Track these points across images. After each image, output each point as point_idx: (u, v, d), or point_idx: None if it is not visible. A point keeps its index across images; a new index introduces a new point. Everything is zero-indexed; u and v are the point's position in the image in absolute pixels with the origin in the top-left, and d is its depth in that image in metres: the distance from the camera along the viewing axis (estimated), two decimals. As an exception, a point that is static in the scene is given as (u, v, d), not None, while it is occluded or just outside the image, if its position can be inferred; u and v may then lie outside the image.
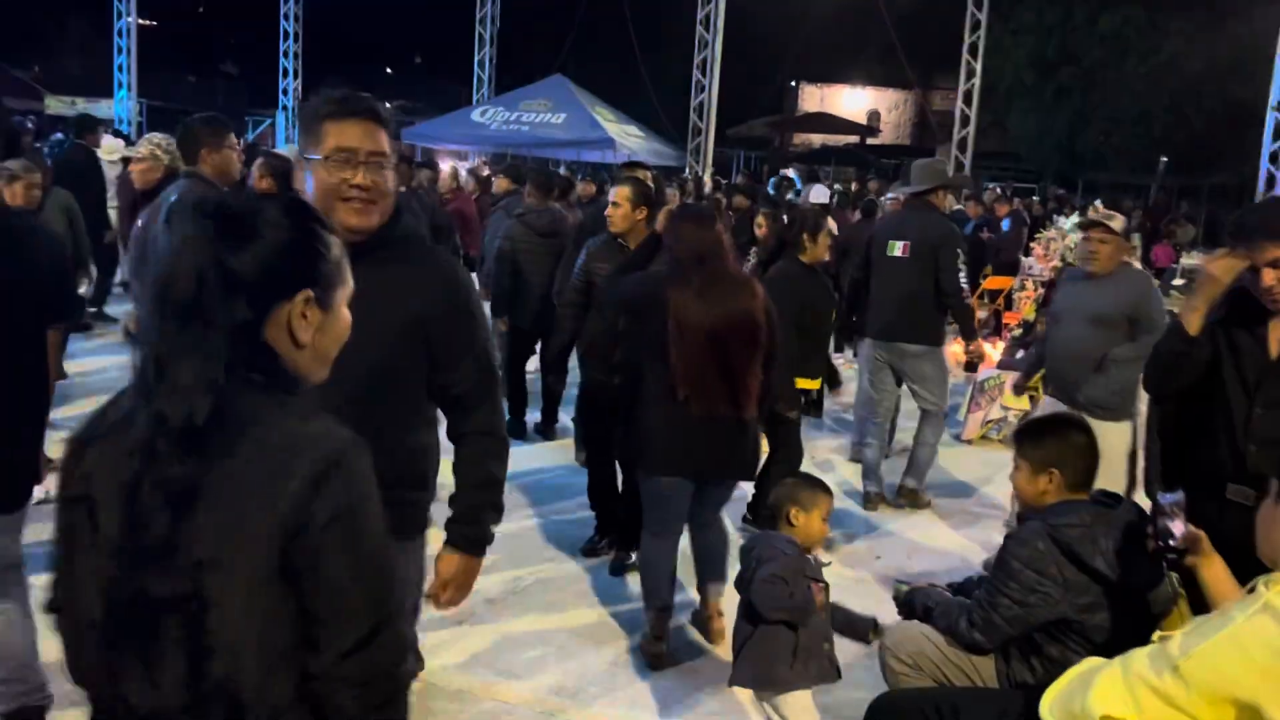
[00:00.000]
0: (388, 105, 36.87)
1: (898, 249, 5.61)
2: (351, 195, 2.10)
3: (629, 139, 17.69)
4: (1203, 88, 24.46)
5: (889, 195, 10.62)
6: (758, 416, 3.80)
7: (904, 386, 5.80)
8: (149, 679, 1.32)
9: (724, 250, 3.74)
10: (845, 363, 9.20)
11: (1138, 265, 4.81)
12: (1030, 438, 2.85)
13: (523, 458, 6.47)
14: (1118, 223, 4.58)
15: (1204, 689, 1.93)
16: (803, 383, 5.02)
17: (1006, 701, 2.50)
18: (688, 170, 18.76)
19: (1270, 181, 17.28)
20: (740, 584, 3.03)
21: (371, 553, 1.37)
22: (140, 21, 22.90)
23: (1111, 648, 2.33)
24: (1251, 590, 2.01)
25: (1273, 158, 17.57)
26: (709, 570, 3.98)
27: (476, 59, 20.66)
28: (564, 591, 4.47)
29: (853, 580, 4.63)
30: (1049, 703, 2.27)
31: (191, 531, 1.29)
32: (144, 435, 1.32)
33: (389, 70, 43.50)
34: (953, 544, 5.36)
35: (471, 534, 2.35)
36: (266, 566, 1.31)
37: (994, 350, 8.73)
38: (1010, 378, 7.26)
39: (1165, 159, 25.80)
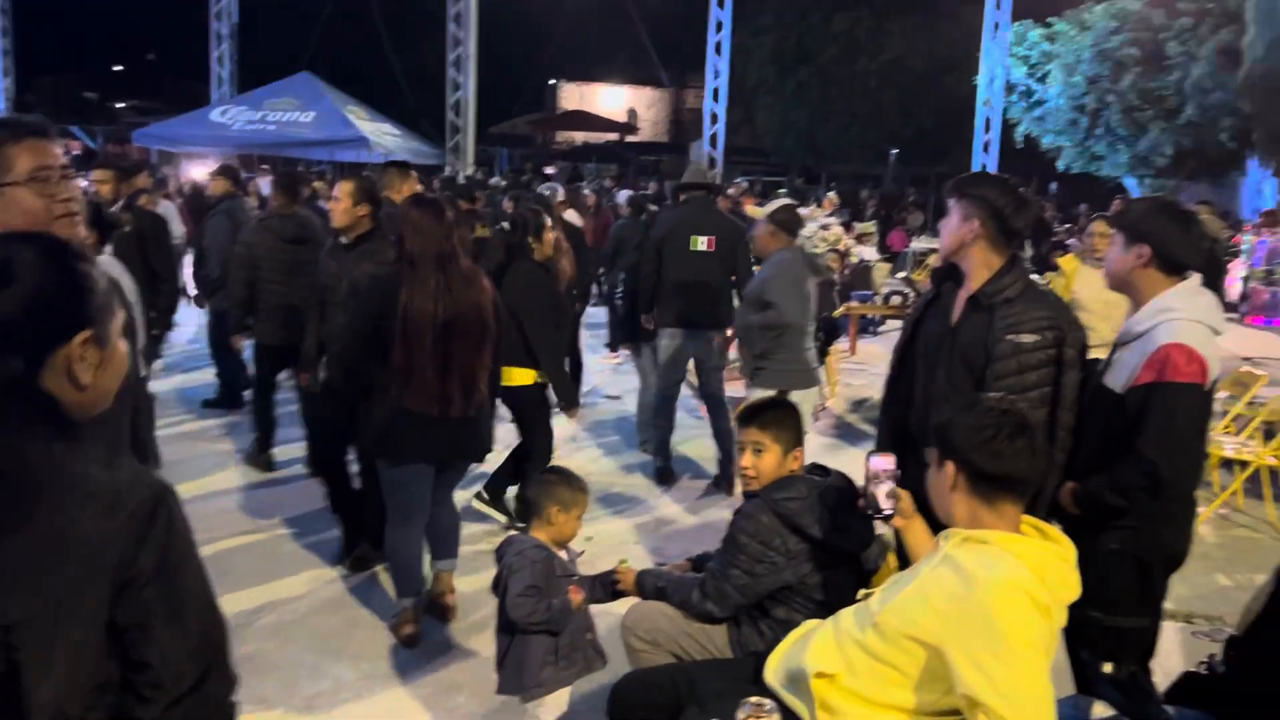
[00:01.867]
0: (117, 105, 34.28)
1: (702, 244, 6.03)
2: (63, 212, 2.03)
3: (384, 138, 17.21)
4: (926, 84, 26.57)
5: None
6: (490, 403, 4.02)
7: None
8: None
9: (458, 242, 3.77)
10: (615, 357, 9.39)
11: (788, 252, 5.24)
12: (776, 421, 2.93)
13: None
14: (757, 211, 5.21)
15: (897, 638, 2.12)
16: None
17: (738, 668, 2.64)
18: (448, 169, 18.53)
19: (984, 169, 19.03)
20: (495, 588, 3.04)
21: (199, 595, 1.36)
22: None
23: (832, 606, 2.51)
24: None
25: (985, 148, 19.37)
26: (441, 549, 4.13)
27: (214, 55, 19.49)
28: (314, 605, 4.33)
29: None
30: (773, 665, 2.43)
31: None
32: None
33: (118, 68, 40.31)
34: (715, 521, 5.58)
35: None
36: (90, 622, 1.27)
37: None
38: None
39: (895, 150, 27.88)
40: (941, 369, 2.98)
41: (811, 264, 5.34)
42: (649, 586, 2.99)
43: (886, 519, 2.57)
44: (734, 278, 6.13)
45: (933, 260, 10.86)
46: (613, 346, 9.43)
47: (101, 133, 26.25)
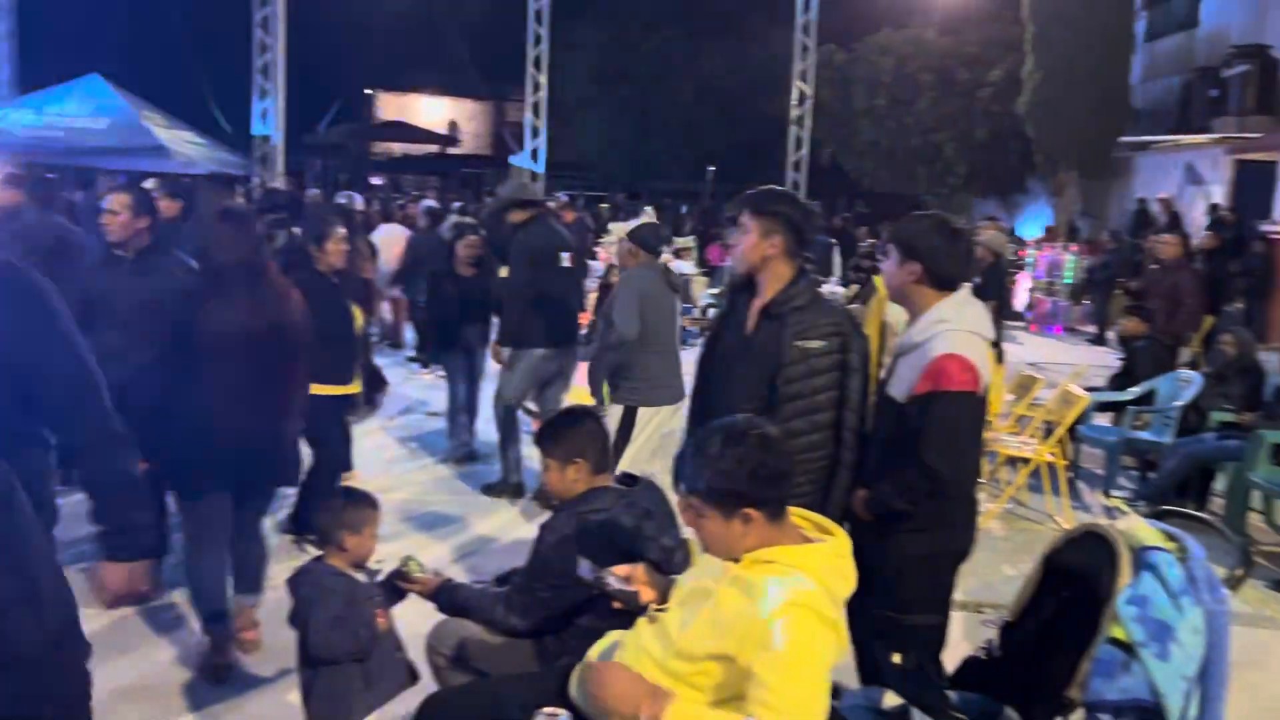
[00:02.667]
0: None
1: (566, 259, 6.05)
2: None
3: (186, 146, 16.33)
4: (740, 103, 27.47)
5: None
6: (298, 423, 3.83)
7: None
8: None
9: (266, 254, 3.64)
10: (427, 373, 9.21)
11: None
12: (550, 435, 2.96)
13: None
14: (620, 229, 5.32)
15: (695, 660, 2.16)
16: (339, 389, 5.01)
17: (544, 682, 2.62)
18: (256, 180, 17.75)
19: (795, 186, 19.81)
20: (292, 622, 2.90)
21: None
22: None
23: (636, 613, 2.53)
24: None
25: (795, 166, 20.18)
26: (243, 582, 3.93)
27: (-9, 55, 18.06)
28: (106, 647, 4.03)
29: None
30: (576, 679, 2.42)
31: None
32: None
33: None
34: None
35: None
36: None
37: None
38: (578, 373, 7.68)
39: (713, 168, 28.67)
40: (737, 376, 3.08)
41: (670, 281, 5.35)
42: (448, 603, 2.93)
43: (633, 597, 2.45)
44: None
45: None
46: (425, 362, 9.28)
47: None
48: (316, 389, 4.71)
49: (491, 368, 6.59)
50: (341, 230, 5.02)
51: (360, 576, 2.93)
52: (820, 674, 2.05)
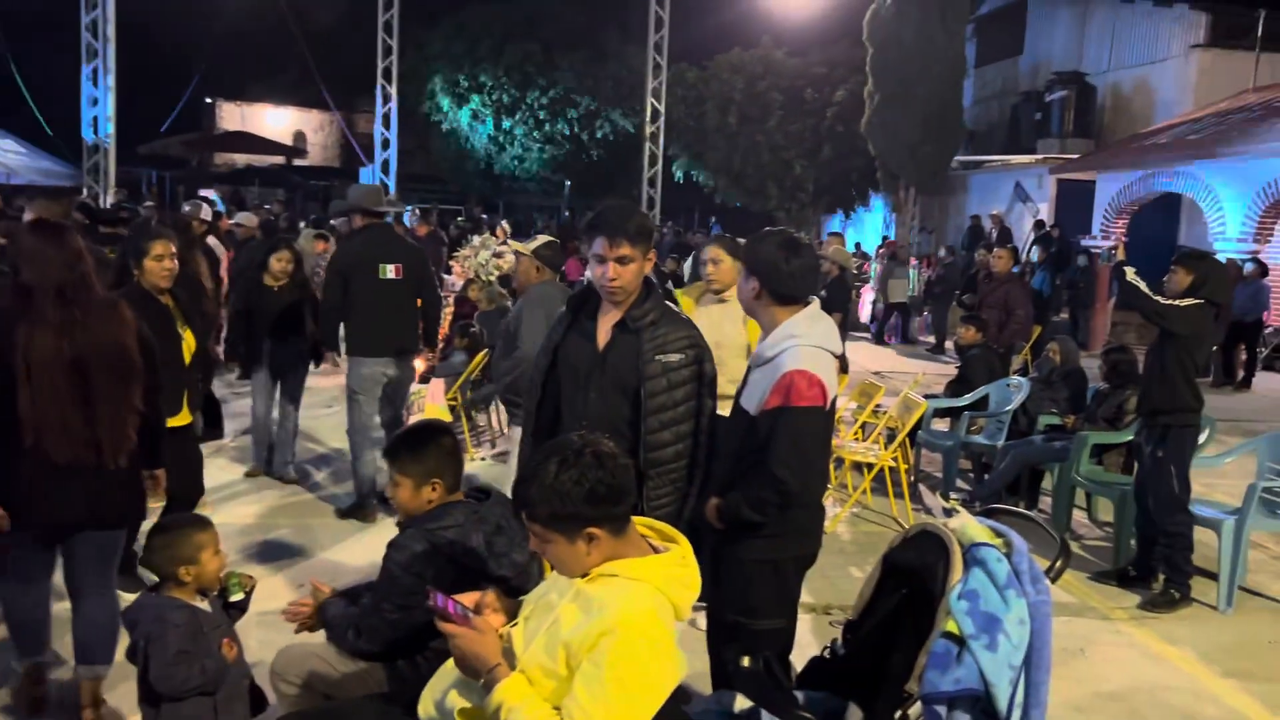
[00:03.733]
0: None
1: (390, 271, 5.90)
2: None
3: (6, 155, 15.34)
4: (595, 118, 27.64)
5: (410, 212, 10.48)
6: (140, 454, 3.42)
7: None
8: None
9: (88, 270, 3.32)
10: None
11: (548, 287, 5.33)
12: (409, 451, 2.87)
13: None
14: (520, 246, 5.35)
15: (538, 678, 2.14)
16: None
17: (390, 705, 2.56)
18: (86, 191, 16.78)
19: (650, 201, 20.06)
20: (130, 658, 2.74)
21: None
22: None
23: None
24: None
25: (651, 181, 20.44)
26: (87, 650, 3.41)
27: None
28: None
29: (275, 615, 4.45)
30: (425, 700, 2.37)
31: None
32: None
33: None
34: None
35: None
36: None
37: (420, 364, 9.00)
38: (432, 388, 7.55)
39: (569, 181, 28.75)
40: (594, 391, 3.10)
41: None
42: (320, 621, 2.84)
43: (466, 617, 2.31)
44: (420, 302, 6.14)
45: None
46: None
47: None
48: None
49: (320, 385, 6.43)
50: (164, 245, 4.48)
51: (204, 605, 2.80)
52: (635, 699, 2.04)
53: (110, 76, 17.25)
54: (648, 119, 20.41)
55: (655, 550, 2.24)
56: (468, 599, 2.31)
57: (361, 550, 5.44)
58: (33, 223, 3.82)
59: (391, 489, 2.90)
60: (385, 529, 5.74)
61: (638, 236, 3.08)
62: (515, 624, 2.30)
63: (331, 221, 11.46)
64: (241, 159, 33.29)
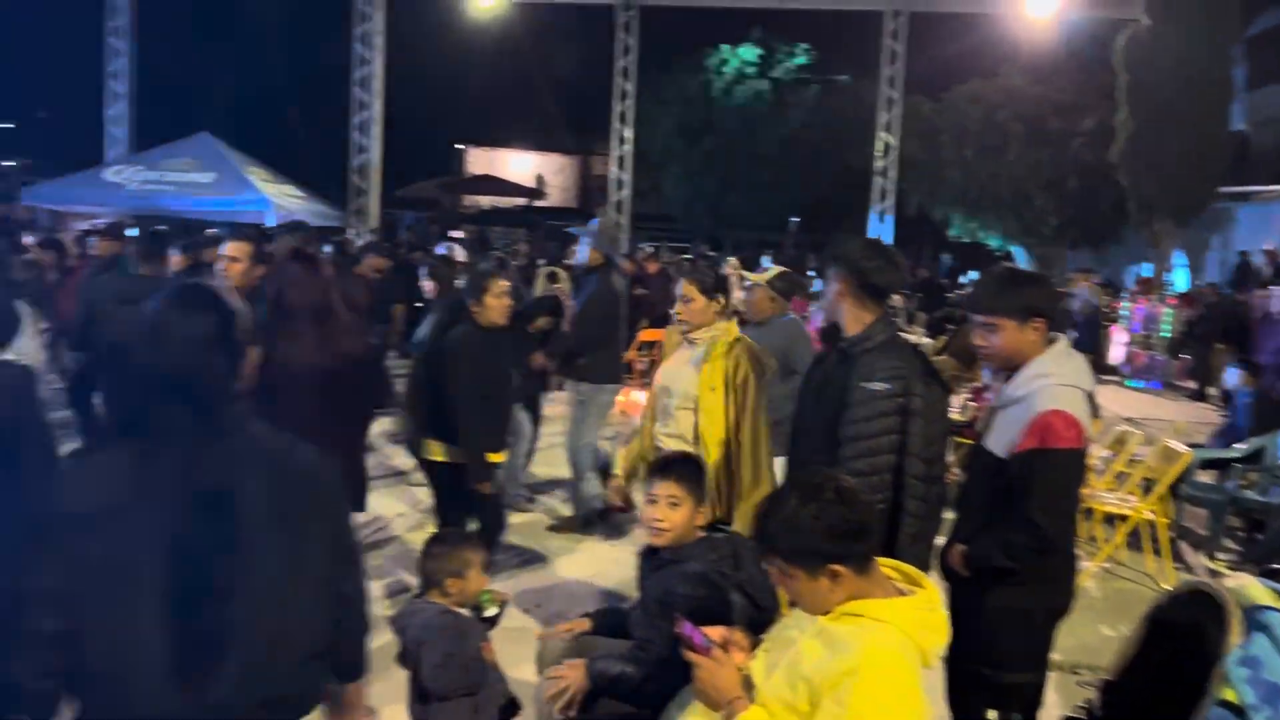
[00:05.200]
0: (7, 164, 33.13)
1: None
2: None
3: (287, 200, 17.00)
4: (824, 154, 27.48)
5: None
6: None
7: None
8: None
9: (337, 296, 3.80)
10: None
11: (795, 317, 5.44)
12: (690, 469, 2.95)
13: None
14: (756, 277, 5.33)
15: (778, 705, 2.13)
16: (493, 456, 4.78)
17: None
18: (350, 231, 18.35)
19: (879, 238, 19.67)
20: (401, 662, 2.96)
21: None
22: None
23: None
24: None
25: (880, 217, 20.07)
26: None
27: (108, 114, 19.09)
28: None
29: (518, 630, 4.65)
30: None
31: None
32: None
33: (6, 125, 39.03)
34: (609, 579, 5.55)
35: None
36: None
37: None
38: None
39: (796, 219, 28.66)
40: (809, 422, 3.13)
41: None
42: (603, 678, 2.91)
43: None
44: None
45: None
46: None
47: (-14, 191, 25.32)
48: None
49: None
50: (502, 284, 4.73)
51: (464, 612, 2.99)
52: None
53: (376, 127, 18.85)
54: (880, 153, 20.07)
55: (901, 593, 2.19)
56: (714, 632, 2.34)
57: (581, 565, 5.63)
58: (293, 252, 4.24)
59: (666, 509, 2.92)
60: (603, 546, 5.92)
61: (830, 260, 3.23)
62: (754, 656, 2.31)
63: (566, 261, 11.97)
64: (487, 201, 35.36)
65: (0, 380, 3.06)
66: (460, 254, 9.10)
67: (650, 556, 3.09)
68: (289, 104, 20.47)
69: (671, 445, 3.79)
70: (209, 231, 9.31)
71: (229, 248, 4.57)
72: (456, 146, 38.04)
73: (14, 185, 21.75)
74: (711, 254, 22.85)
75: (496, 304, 4.65)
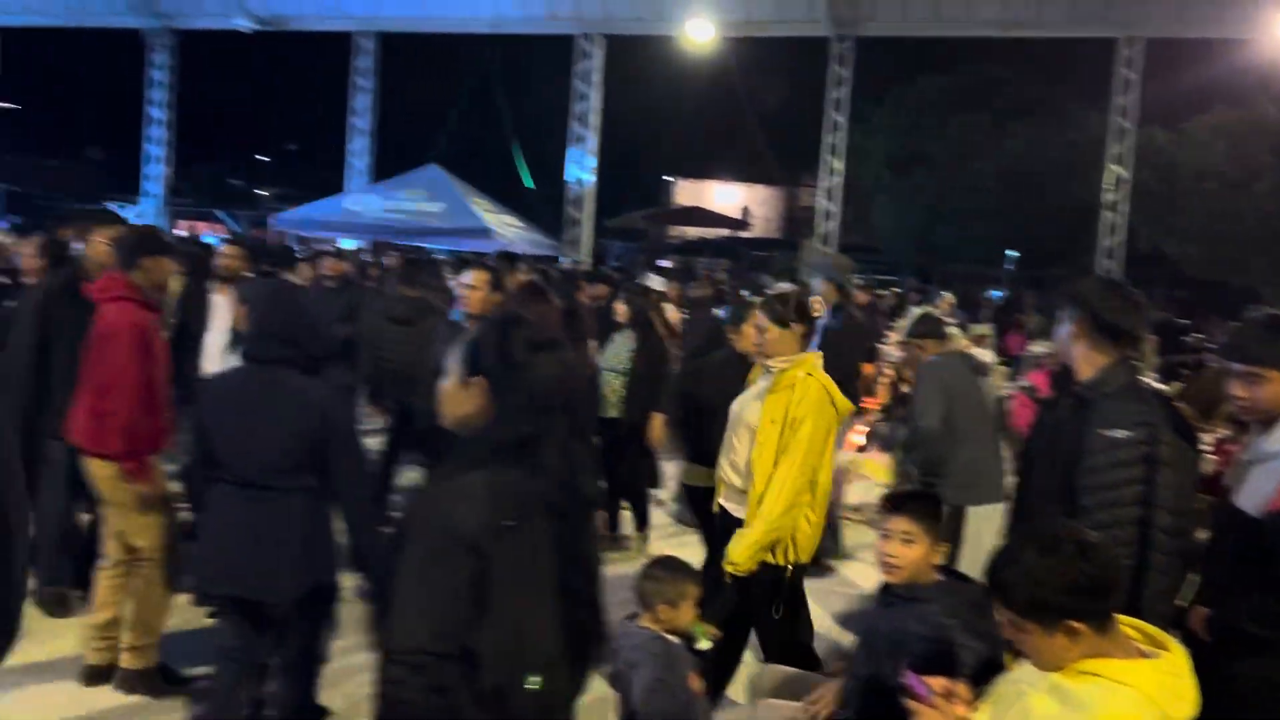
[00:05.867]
0: (259, 193, 36.47)
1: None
2: None
3: (506, 228, 17.85)
4: (1045, 186, 26.26)
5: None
6: None
7: None
8: None
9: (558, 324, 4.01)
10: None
11: (982, 353, 5.19)
12: (925, 512, 2.88)
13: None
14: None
15: None
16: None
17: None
18: (563, 259, 19.06)
19: (1108, 274, 18.58)
20: (612, 683, 3.03)
21: None
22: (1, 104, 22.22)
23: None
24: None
25: (1108, 253, 18.94)
26: None
27: (349, 148, 20.68)
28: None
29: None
30: None
31: None
32: None
33: (263, 158, 42.97)
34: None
35: None
36: None
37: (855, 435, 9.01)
38: (871, 457, 7.54)
39: (1014, 253, 27.46)
40: (1041, 469, 2.97)
41: (974, 366, 5.12)
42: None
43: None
44: None
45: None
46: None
47: (245, 217, 27.95)
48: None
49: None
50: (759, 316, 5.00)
51: (674, 639, 3.03)
52: None
53: (593, 159, 19.56)
54: (1110, 186, 18.99)
55: (1143, 655, 2.06)
56: (936, 683, 2.27)
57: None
58: (528, 283, 4.45)
59: (900, 545, 2.86)
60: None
61: (1064, 298, 3.08)
62: (978, 708, 2.23)
63: (768, 291, 11.94)
64: (693, 232, 35.86)
65: (316, 396, 3.31)
66: (657, 283, 9.26)
67: (882, 593, 3.03)
68: (512, 137, 21.59)
69: (730, 475, 3.77)
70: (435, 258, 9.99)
71: (470, 276, 4.83)
72: (665, 178, 38.84)
73: (266, 212, 23.93)
74: (924, 287, 22.27)
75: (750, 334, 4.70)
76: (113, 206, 24.69)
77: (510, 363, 2.04)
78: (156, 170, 21.66)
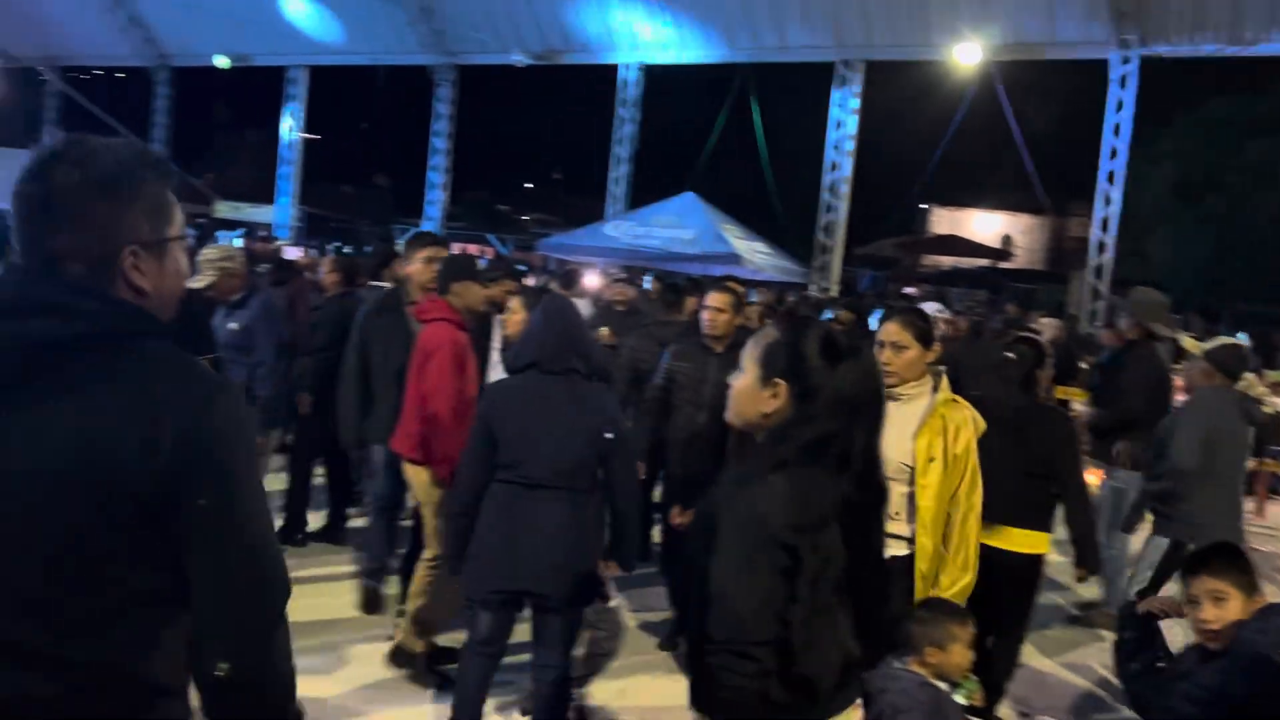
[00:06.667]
0: (524, 218, 38.57)
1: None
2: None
3: (755, 255, 17.93)
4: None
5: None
6: None
7: None
8: None
9: None
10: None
11: (1210, 392, 4.80)
12: (1234, 565, 2.73)
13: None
14: (1195, 346, 5.14)
15: None
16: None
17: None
18: (811, 287, 18.89)
19: None
20: None
21: None
22: (305, 136, 24.74)
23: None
24: None
25: None
26: None
27: (612, 176, 21.48)
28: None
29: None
30: None
31: None
32: None
33: (528, 185, 45.50)
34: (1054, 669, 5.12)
35: None
36: None
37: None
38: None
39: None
40: None
41: (1246, 410, 4.81)
42: None
43: None
44: None
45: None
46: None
47: (511, 241, 29.68)
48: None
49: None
50: (899, 332, 4.88)
51: (944, 686, 2.92)
52: None
53: (846, 187, 19.32)
54: None
55: None
56: None
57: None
58: (766, 309, 4.42)
59: (1213, 607, 2.69)
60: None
61: None
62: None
63: (1032, 326, 11.29)
64: (948, 261, 34.62)
65: (608, 405, 3.61)
66: (931, 308, 8.98)
67: (1196, 652, 2.80)
68: (768, 165, 21.74)
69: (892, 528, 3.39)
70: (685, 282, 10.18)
71: (713, 299, 4.95)
72: (920, 206, 37.75)
73: (533, 237, 25.29)
74: (1211, 327, 20.40)
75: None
76: (397, 229, 26.94)
77: (814, 365, 2.08)
78: (436, 196, 23.38)
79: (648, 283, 11.31)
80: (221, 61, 24.02)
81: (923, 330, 3.45)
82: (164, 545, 1.43)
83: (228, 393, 1.50)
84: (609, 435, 3.49)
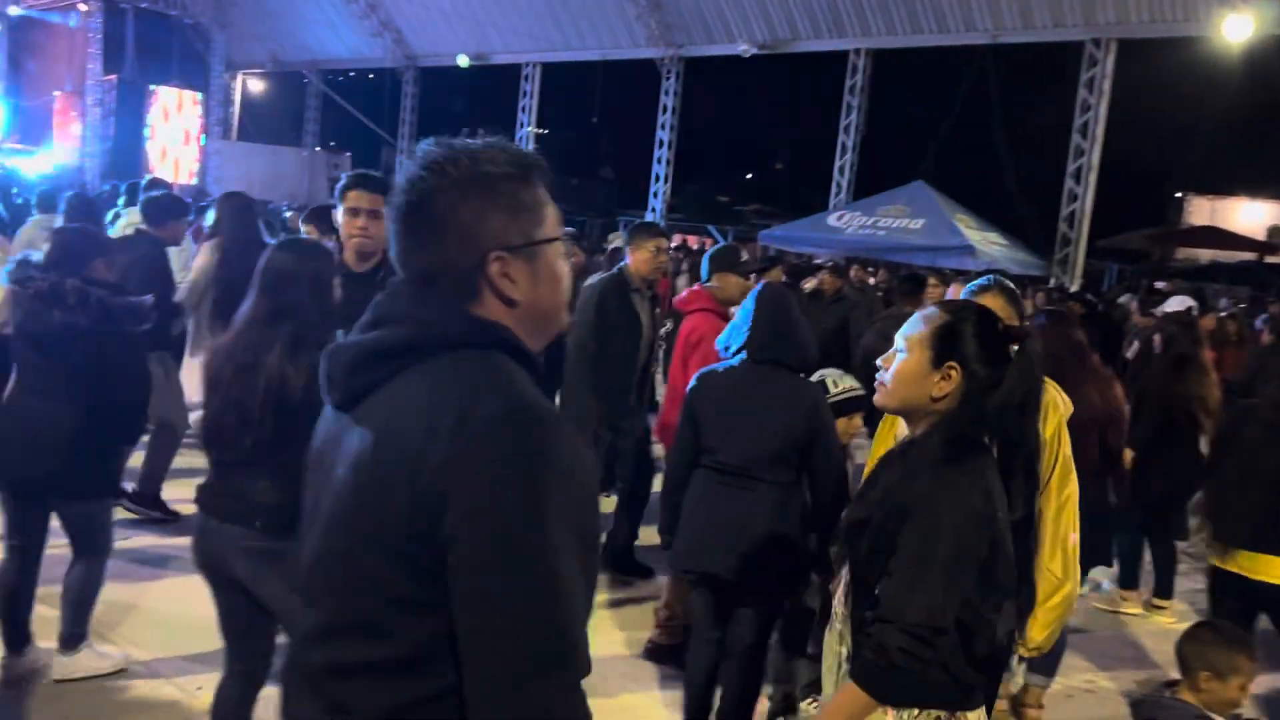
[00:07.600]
0: (745, 209, 38.49)
1: None
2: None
3: (990, 247, 17.10)
4: None
5: None
6: None
7: None
8: None
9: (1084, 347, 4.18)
10: None
11: None
12: None
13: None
14: None
15: None
16: None
17: None
18: (1052, 280, 17.78)
19: None
20: None
21: None
22: (535, 130, 25.69)
23: None
24: None
25: None
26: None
27: (836, 165, 21.00)
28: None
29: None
30: None
31: None
32: None
33: (750, 176, 45.36)
34: None
35: None
36: None
37: None
38: None
39: None
40: None
41: None
42: None
43: None
44: None
45: None
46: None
47: (731, 232, 29.68)
48: None
49: None
50: None
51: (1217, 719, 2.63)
52: None
53: (1092, 174, 18.05)
54: None
55: None
56: None
57: None
58: (1047, 312, 4.30)
59: None
60: None
61: None
62: None
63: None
64: (1206, 254, 31.76)
65: (810, 396, 3.58)
66: (1175, 303, 8.25)
67: None
68: (1005, 151, 20.65)
69: None
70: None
71: (933, 292, 4.93)
72: (1176, 195, 34.84)
73: (753, 228, 25.17)
74: None
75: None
76: (621, 220, 27.52)
77: (990, 351, 2.06)
78: (659, 188, 23.67)
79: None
80: (462, 60, 25.28)
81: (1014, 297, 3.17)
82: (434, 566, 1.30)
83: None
84: (808, 428, 3.45)
